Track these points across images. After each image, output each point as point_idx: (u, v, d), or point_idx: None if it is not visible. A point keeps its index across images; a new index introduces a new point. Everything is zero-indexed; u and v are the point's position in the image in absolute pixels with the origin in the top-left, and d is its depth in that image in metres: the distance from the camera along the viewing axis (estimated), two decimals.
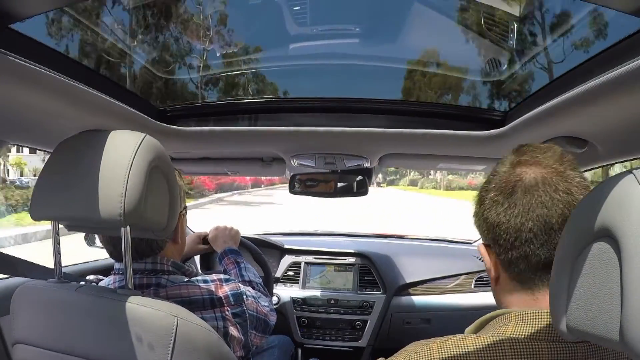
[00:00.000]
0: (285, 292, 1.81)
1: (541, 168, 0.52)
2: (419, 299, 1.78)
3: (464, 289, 1.78)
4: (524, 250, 0.51)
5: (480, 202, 0.57)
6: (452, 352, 0.49)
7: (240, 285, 0.87)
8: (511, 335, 0.49)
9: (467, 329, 0.57)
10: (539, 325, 0.48)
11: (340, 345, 1.76)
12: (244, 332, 0.83)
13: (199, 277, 0.83)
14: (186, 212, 0.96)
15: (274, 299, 1.77)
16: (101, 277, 0.90)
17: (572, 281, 0.36)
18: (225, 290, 0.83)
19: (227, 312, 0.80)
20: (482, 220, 0.56)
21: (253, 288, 1.04)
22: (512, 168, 0.54)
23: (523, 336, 0.48)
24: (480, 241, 0.60)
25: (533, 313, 0.49)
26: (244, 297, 0.86)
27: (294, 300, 1.79)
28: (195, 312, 0.73)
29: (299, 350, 1.79)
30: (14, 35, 0.60)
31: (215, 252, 1.27)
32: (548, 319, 0.48)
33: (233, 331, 0.80)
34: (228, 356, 0.73)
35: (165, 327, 0.62)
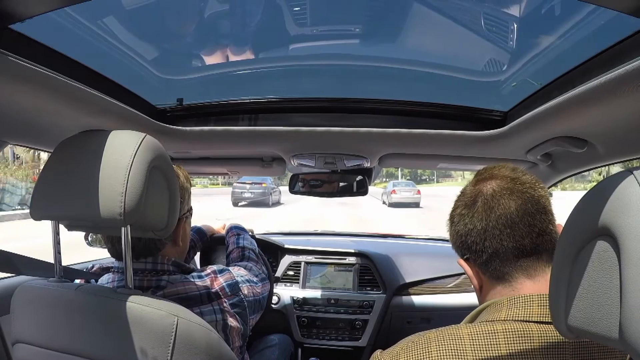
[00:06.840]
0: (285, 292, 1.81)
1: (497, 179, 0.60)
2: (419, 299, 1.78)
3: (464, 289, 1.78)
4: (494, 246, 0.57)
5: (451, 221, 0.65)
6: (448, 340, 0.51)
7: (234, 274, 0.88)
8: (504, 319, 0.52)
9: (463, 321, 0.59)
10: (530, 308, 0.52)
11: (340, 344, 1.76)
12: (244, 322, 0.84)
13: (194, 273, 0.83)
14: (191, 215, 0.96)
15: (274, 299, 1.78)
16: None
17: (572, 279, 0.36)
18: (220, 282, 0.83)
19: (224, 304, 0.81)
20: (455, 235, 0.63)
21: (244, 256, 1.11)
22: (473, 186, 0.62)
23: (515, 319, 0.51)
24: (459, 258, 0.65)
25: (524, 297, 0.53)
26: (240, 285, 0.87)
27: (294, 300, 1.79)
28: (193, 308, 0.73)
29: (299, 350, 1.79)
30: (14, 36, 0.60)
31: (215, 249, 1.29)
32: (538, 302, 0.52)
33: (232, 322, 0.81)
34: (228, 355, 0.73)
35: (166, 326, 0.62)
